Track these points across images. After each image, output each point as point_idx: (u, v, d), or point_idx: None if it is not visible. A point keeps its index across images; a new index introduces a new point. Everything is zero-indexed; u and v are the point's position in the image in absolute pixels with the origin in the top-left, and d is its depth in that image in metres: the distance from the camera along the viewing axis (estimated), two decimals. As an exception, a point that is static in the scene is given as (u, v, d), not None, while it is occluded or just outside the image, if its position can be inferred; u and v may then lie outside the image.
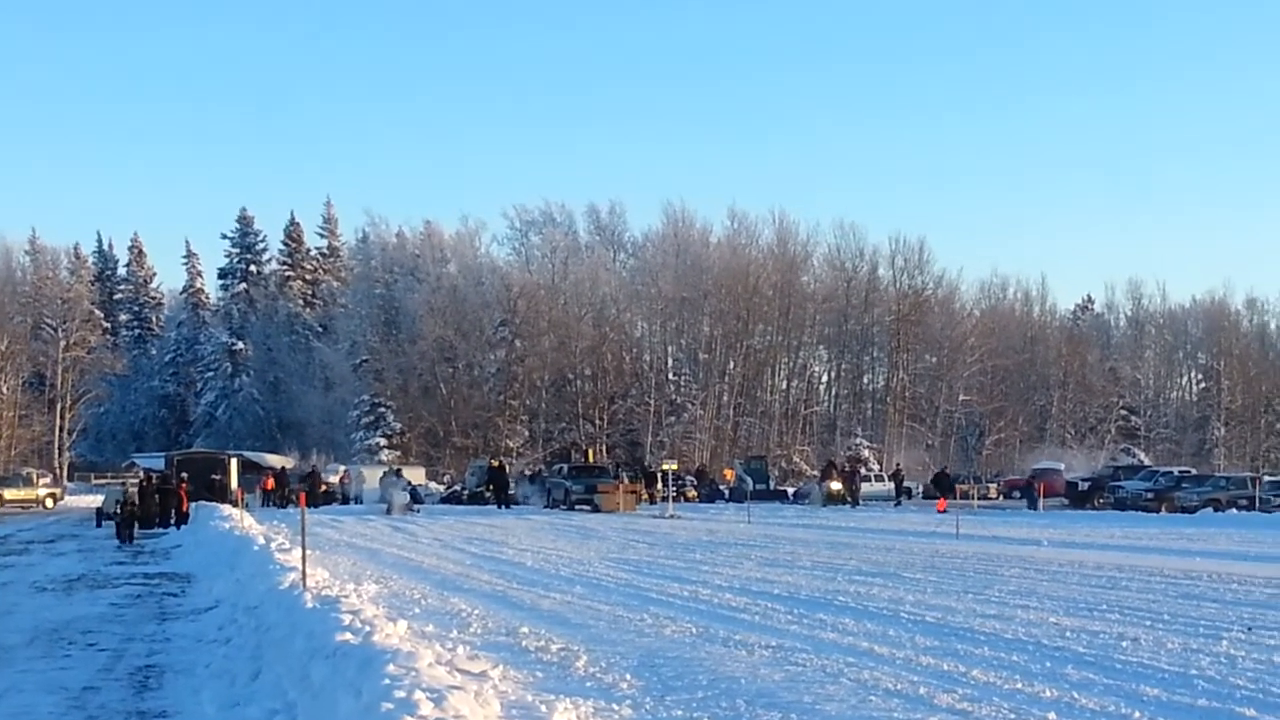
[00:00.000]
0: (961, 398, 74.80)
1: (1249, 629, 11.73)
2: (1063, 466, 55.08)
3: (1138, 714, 7.89)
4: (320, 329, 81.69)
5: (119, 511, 28.64)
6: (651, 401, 69.53)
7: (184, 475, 39.42)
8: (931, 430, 73.49)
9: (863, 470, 56.46)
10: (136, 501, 30.28)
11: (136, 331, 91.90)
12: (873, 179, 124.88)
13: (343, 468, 55.47)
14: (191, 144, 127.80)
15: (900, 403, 75.05)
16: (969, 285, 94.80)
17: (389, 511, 39.11)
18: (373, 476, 49.19)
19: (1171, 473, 49.22)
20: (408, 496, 41.35)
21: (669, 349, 75.30)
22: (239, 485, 44.77)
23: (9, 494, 49.41)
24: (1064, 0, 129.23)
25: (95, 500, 40.42)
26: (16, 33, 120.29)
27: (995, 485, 58.72)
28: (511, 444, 67.80)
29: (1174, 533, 29.05)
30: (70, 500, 53.78)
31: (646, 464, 59.15)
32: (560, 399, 71.65)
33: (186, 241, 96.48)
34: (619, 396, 71.02)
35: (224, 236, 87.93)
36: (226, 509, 33.21)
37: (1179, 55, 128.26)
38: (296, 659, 9.12)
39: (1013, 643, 10.82)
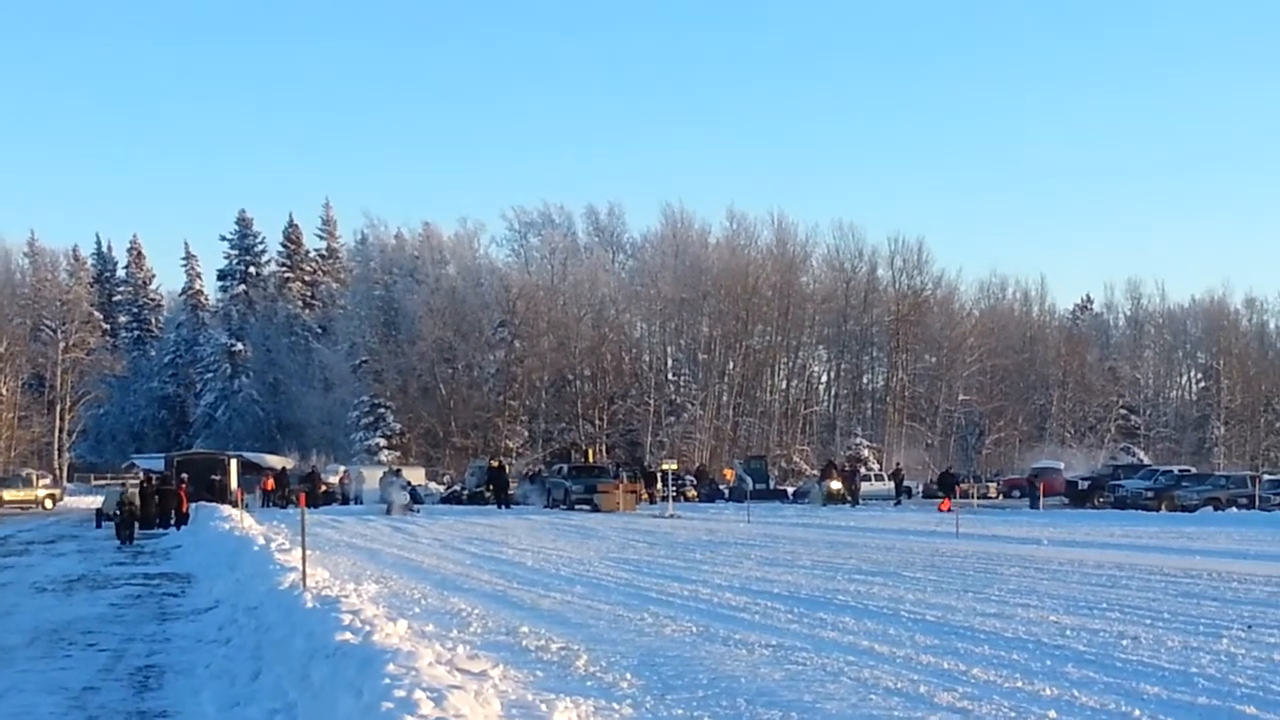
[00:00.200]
0: (961, 397, 74.82)
1: (1249, 627, 11.73)
2: (1062, 466, 55.09)
3: (1138, 712, 7.88)
4: (319, 330, 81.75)
5: (119, 512, 28.63)
6: (651, 401, 69.55)
7: (184, 476, 39.47)
8: (931, 430, 73.52)
9: (862, 470, 56.47)
10: (136, 502, 30.27)
11: (136, 333, 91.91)
12: (871, 179, 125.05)
13: (342, 468, 55.46)
14: (190, 146, 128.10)
15: (900, 402, 75.07)
16: (968, 285, 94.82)
17: (389, 512, 39.12)
18: (372, 477, 49.17)
19: (1171, 471, 49.20)
20: (407, 497, 41.35)
21: (668, 349, 75.35)
22: (239, 486, 44.77)
23: (8, 495, 49.44)
24: (1063, 0, 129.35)
25: (95, 501, 40.42)
26: (15, 33, 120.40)
27: (995, 485, 58.74)
28: (511, 444, 67.82)
29: (1174, 531, 29.06)
30: (70, 501, 53.77)
31: (646, 464, 59.19)
32: (560, 399, 71.67)
33: (185, 243, 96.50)
34: (618, 397, 71.06)
35: (223, 238, 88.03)
36: (226, 509, 33.23)
37: (1178, 54, 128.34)
38: (297, 659, 9.12)
39: (1013, 641, 10.82)
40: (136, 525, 29.01)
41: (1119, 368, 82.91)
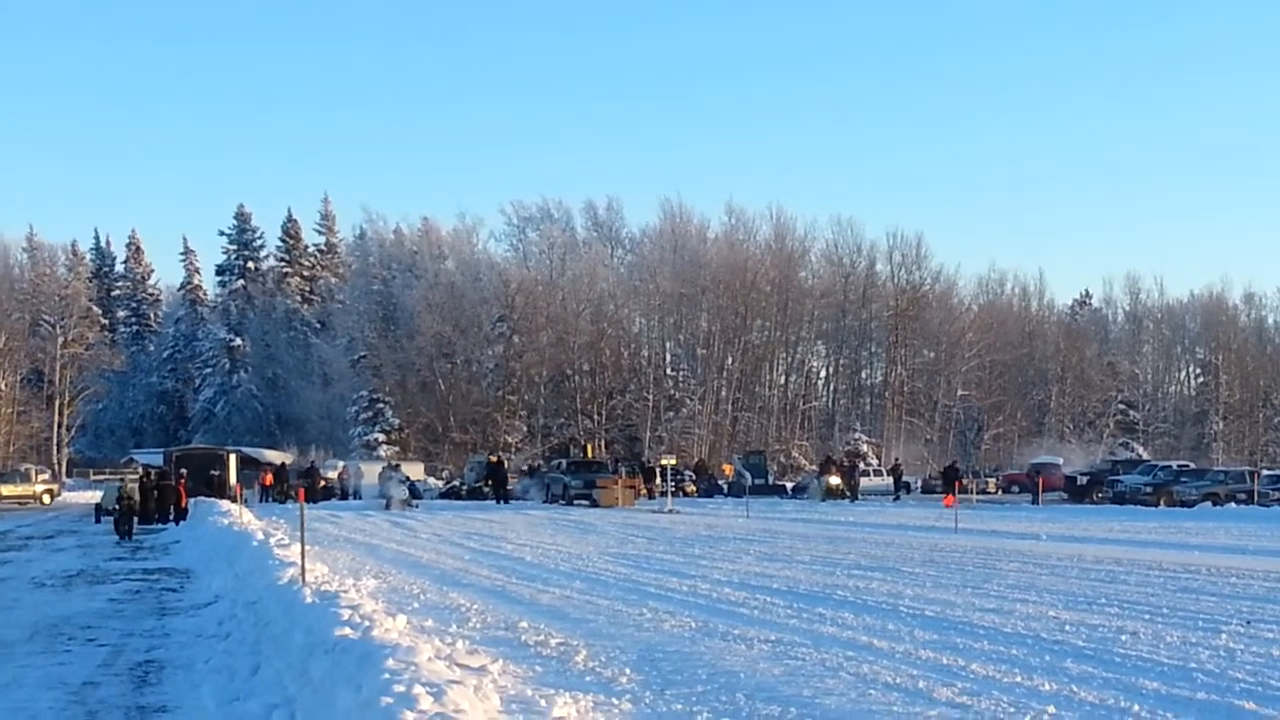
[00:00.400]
0: (960, 392, 74.81)
1: (1248, 622, 11.73)
2: (1061, 461, 55.09)
3: (1137, 707, 7.89)
4: (318, 325, 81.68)
5: (118, 507, 28.66)
6: (650, 397, 69.53)
7: (183, 471, 39.49)
8: (930, 425, 73.55)
9: (861, 465, 56.50)
10: (135, 497, 30.28)
11: (134, 328, 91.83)
12: (870, 175, 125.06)
13: (341, 463, 55.48)
14: (189, 141, 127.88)
15: (898, 398, 75.04)
16: (967, 280, 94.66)
17: (388, 507, 39.14)
18: (371, 472, 49.17)
19: (1170, 467, 49.21)
20: (406, 492, 41.35)
21: (667, 344, 75.31)
22: (238, 481, 44.82)
23: (7, 490, 49.59)
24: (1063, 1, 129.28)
25: (94, 496, 40.45)
26: (15, 32, 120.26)
27: (994, 480, 58.76)
28: (510, 439, 67.79)
29: (1172, 527, 29.06)
30: (68, 496, 53.83)
31: (645, 459, 59.19)
32: (559, 394, 71.62)
33: (184, 238, 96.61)
34: (617, 392, 71.03)
35: (221, 233, 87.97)
36: (225, 505, 33.26)
37: (1176, 53, 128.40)
38: (296, 654, 9.13)
39: (1012, 636, 10.83)
40: (135, 520, 29.06)
41: (1118, 363, 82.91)
